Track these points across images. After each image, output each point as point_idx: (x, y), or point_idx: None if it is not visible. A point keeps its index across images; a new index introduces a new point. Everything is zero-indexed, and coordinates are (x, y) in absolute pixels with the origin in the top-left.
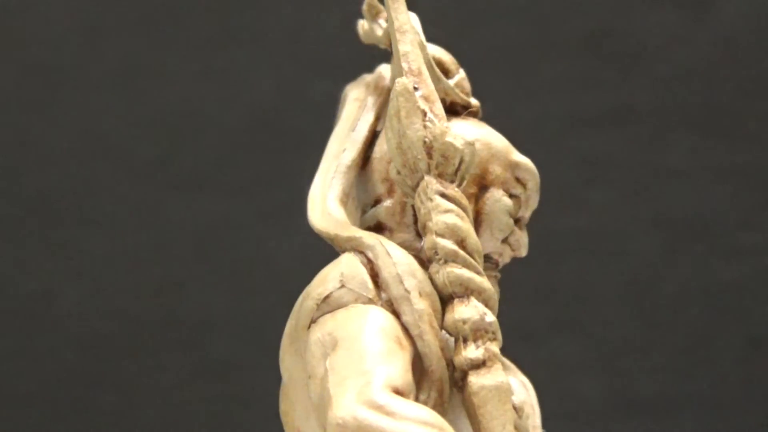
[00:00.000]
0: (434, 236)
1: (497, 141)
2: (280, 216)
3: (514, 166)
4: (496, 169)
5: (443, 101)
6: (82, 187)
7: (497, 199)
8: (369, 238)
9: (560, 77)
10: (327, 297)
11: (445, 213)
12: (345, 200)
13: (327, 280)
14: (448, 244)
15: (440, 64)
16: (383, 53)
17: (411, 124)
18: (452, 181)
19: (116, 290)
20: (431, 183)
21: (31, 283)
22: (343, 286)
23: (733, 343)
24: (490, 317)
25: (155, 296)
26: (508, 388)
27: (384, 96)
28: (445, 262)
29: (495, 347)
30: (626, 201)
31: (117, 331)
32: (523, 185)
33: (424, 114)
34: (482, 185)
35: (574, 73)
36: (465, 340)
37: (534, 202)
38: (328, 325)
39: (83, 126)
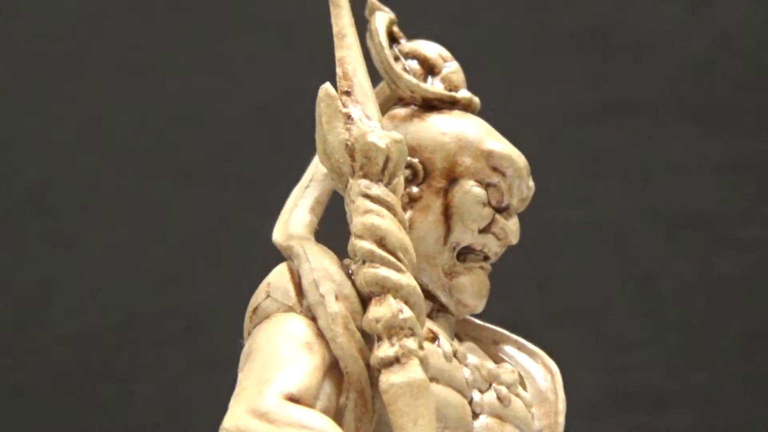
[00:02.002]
0: (353, 238)
1: (470, 132)
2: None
3: (487, 155)
4: (466, 161)
5: (413, 99)
6: (82, 180)
7: (466, 190)
8: (297, 245)
9: (560, 71)
10: (256, 309)
11: (364, 214)
12: (317, 208)
13: (258, 291)
14: (365, 245)
15: (424, 61)
16: None
17: (332, 128)
18: (380, 180)
19: (116, 283)
20: (354, 185)
21: (30, 276)
22: (268, 296)
23: (733, 337)
24: (406, 313)
25: (155, 289)
26: (422, 384)
27: (380, 100)
28: (363, 262)
29: (412, 343)
30: (626, 194)
31: (116, 324)
32: (501, 173)
33: (348, 117)
34: (451, 178)
35: (574, 66)
36: (380, 339)
37: (521, 189)
38: (252, 337)
39: (82, 119)
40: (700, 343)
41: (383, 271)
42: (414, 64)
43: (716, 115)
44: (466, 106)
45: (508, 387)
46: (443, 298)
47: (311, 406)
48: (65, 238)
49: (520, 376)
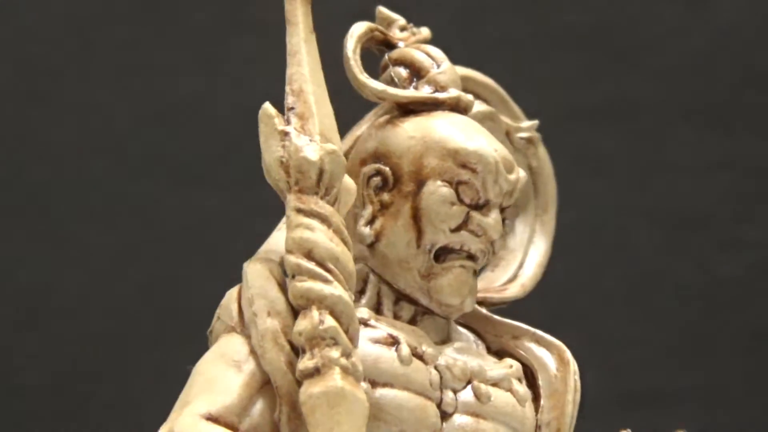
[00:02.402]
0: (285, 254)
1: (437, 132)
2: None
3: (453, 153)
4: (432, 162)
5: (397, 105)
6: (80, 181)
7: (432, 191)
8: (245, 266)
9: (558, 70)
10: (211, 332)
11: (294, 228)
12: None
13: (215, 315)
14: (292, 259)
15: (411, 65)
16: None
17: (268, 147)
18: (316, 193)
19: (114, 284)
20: (290, 201)
21: (29, 277)
22: (218, 318)
23: (732, 337)
24: (327, 323)
25: (154, 290)
26: (340, 392)
27: (382, 111)
28: (293, 277)
29: (333, 353)
30: (625, 194)
31: (115, 324)
32: (471, 170)
33: (284, 134)
34: (419, 180)
35: (574, 66)
36: (303, 351)
37: (498, 184)
38: None
39: (81, 120)
40: (699, 343)
41: (308, 284)
42: (402, 70)
43: (715, 114)
44: (453, 106)
45: (498, 383)
46: (424, 301)
47: (232, 424)
48: (65, 238)
49: (532, 369)
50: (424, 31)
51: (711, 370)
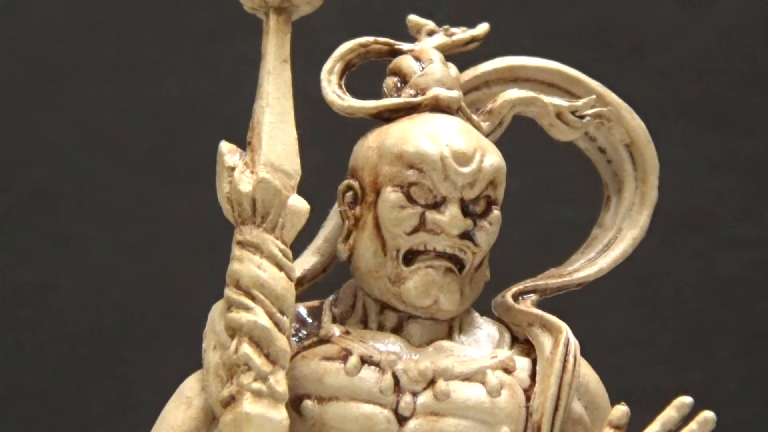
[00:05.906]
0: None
1: (389, 139)
2: None
3: (399, 157)
4: (384, 169)
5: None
6: (81, 179)
7: (384, 198)
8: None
9: None
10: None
11: (231, 262)
12: (324, 247)
13: None
14: (226, 292)
15: (399, 72)
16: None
17: (219, 185)
18: (254, 223)
19: (114, 283)
20: (235, 234)
21: (29, 275)
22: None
23: (731, 336)
24: (241, 350)
25: (153, 289)
26: (244, 417)
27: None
28: (228, 309)
29: (245, 378)
30: None
31: (115, 323)
32: (418, 170)
33: (230, 170)
34: (377, 189)
35: (573, 66)
36: (227, 381)
37: (449, 179)
38: None
39: (81, 118)
40: (698, 342)
41: (232, 314)
42: (394, 79)
43: (714, 114)
44: (433, 107)
45: (470, 377)
46: (400, 306)
47: None
48: (65, 238)
49: (534, 353)
50: (480, 28)
51: (712, 369)
